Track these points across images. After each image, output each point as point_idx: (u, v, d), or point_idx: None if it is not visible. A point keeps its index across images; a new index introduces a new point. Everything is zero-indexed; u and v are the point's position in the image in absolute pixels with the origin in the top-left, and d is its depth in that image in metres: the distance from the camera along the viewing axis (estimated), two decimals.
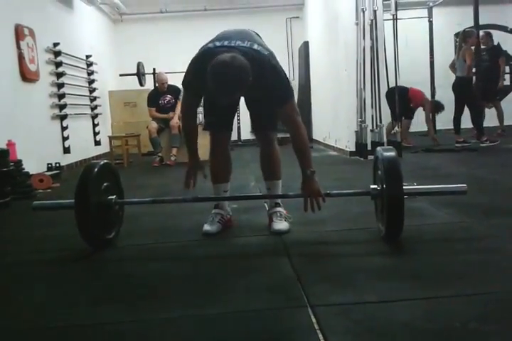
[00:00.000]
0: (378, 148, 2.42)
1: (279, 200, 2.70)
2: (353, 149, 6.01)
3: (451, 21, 9.24)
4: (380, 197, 2.30)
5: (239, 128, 9.32)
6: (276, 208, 2.66)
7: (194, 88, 2.41)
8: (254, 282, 1.89)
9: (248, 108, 2.70)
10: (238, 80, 2.11)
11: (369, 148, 5.71)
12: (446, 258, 2.06)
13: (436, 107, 7.07)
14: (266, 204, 3.19)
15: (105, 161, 2.58)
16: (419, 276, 1.86)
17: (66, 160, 6.29)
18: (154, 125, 6.50)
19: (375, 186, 2.37)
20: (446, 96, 7.30)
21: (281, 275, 1.95)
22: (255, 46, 2.27)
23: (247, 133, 9.53)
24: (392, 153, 2.29)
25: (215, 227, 2.61)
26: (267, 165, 2.72)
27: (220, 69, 2.08)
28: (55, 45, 6.22)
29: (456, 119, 6.62)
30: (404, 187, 2.16)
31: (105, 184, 2.42)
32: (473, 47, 6.60)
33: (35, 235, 2.91)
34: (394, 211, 2.14)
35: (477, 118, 6.62)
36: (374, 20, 5.65)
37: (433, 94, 8.80)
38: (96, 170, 2.36)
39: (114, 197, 2.45)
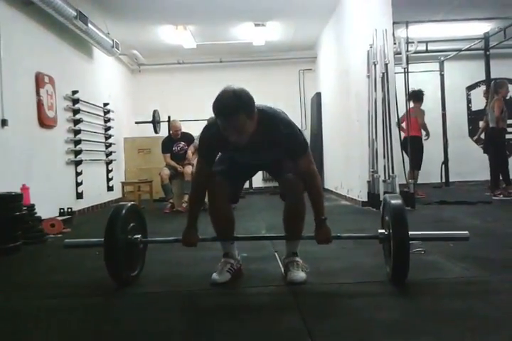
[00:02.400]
0: (386, 195, 2.62)
1: (297, 250, 2.65)
2: (366, 199, 5.98)
3: (463, 74, 9.39)
4: (387, 240, 2.44)
5: None
6: (293, 257, 2.62)
7: (209, 153, 2.51)
8: (262, 335, 1.84)
9: (269, 169, 2.77)
10: (238, 99, 2.16)
11: (381, 198, 5.66)
12: (462, 313, 2.00)
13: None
14: (276, 254, 3.17)
15: (132, 203, 2.72)
16: (432, 332, 1.80)
17: (78, 205, 6.32)
18: (166, 171, 6.55)
19: (383, 231, 2.53)
20: (458, 148, 7.34)
21: (291, 329, 1.89)
22: (266, 105, 2.41)
23: (258, 181, 9.57)
24: (399, 201, 2.45)
25: (224, 277, 2.57)
26: (292, 223, 2.62)
27: (221, 93, 2.21)
28: (74, 92, 6.39)
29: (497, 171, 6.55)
30: (409, 232, 2.30)
31: (132, 224, 2.56)
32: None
33: (45, 280, 2.88)
34: (400, 253, 2.28)
35: (496, 170, 6.55)
36: (385, 73, 5.76)
37: (445, 146, 8.84)
38: (124, 210, 2.52)
39: (139, 236, 2.59)
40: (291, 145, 2.39)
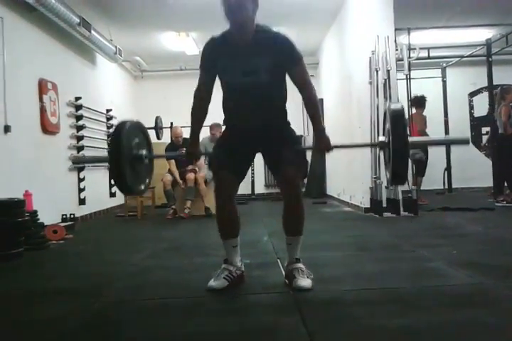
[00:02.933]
0: (387, 103, 2.66)
1: (299, 255, 2.64)
2: (368, 205, 5.97)
3: (466, 81, 9.40)
4: (387, 147, 2.50)
5: (253, 182, 9.36)
6: (297, 264, 2.60)
7: (210, 63, 2.58)
8: None
9: (267, 153, 2.67)
10: None
11: (384, 205, 5.67)
12: (465, 321, 1.99)
13: None
14: (279, 261, 3.16)
15: (136, 120, 2.74)
16: (439, 339, 1.79)
17: (81, 211, 6.32)
18: (169, 177, 6.56)
19: (383, 138, 2.60)
20: (460, 154, 7.34)
21: (294, 336, 1.89)
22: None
23: (260, 187, 9.57)
24: (398, 107, 2.50)
25: (220, 283, 2.55)
26: (291, 222, 2.62)
27: None
28: (77, 99, 6.41)
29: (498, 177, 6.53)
30: (409, 138, 2.43)
31: (136, 140, 2.60)
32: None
33: (47, 287, 2.87)
34: (398, 158, 2.38)
35: (501, 177, 6.54)
36: (387, 80, 5.76)
37: (448, 152, 8.84)
38: (127, 126, 2.54)
39: (144, 151, 2.62)
40: (286, 52, 2.49)
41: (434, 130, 8.20)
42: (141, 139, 2.67)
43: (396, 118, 2.43)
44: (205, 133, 6.85)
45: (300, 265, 2.60)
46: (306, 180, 9.44)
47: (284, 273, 2.75)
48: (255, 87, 2.52)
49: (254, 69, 2.50)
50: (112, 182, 2.47)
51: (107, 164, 7.45)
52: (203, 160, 6.62)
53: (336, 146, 2.61)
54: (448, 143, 2.72)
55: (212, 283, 2.56)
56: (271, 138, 2.59)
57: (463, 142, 2.67)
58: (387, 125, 2.50)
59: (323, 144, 2.57)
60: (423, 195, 6.87)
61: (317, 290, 2.48)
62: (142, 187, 2.67)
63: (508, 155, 6.44)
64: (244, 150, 2.64)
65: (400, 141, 2.35)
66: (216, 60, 2.56)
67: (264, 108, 2.58)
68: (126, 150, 2.47)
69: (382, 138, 2.60)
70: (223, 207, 2.63)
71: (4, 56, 4.63)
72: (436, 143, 2.85)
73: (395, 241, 3.95)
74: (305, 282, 2.50)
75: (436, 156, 8.17)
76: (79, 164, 2.92)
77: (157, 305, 2.40)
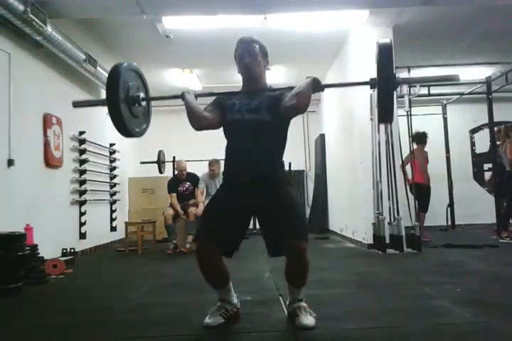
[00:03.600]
0: (378, 40, 2.62)
1: (301, 296, 2.59)
2: (371, 242, 5.93)
3: (467, 118, 9.49)
4: (376, 85, 2.54)
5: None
6: (300, 303, 2.57)
7: (217, 104, 2.72)
8: None
9: (263, 220, 2.58)
10: (257, 40, 2.70)
11: (387, 241, 5.62)
12: None
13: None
14: (281, 298, 3.12)
15: (130, 62, 2.68)
16: None
17: (81, 245, 6.28)
18: (170, 211, 6.54)
19: (374, 77, 2.58)
20: (463, 190, 7.34)
21: None
22: None
23: None
24: (386, 41, 2.53)
25: (216, 320, 2.53)
26: (296, 277, 2.53)
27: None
28: (81, 133, 6.48)
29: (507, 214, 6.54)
30: (397, 75, 2.50)
31: (133, 82, 2.60)
32: None
33: (47, 323, 2.83)
34: (386, 94, 2.48)
35: (507, 213, 6.52)
36: None
37: (450, 189, 8.83)
38: (123, 69, 2.51)
39: (141, 93, 2.64)
40: (282, 93, 2.58)
41: (436, 166, 8.26)
42: (137, 82, 2.70)
43: (383, 52, 2.50)
44: (204, 169, 6.90)
45: (303, 303, 2.57)
46: (308, 215, 9.42)
47: (285, 310, 2.71)
48: (257, 125, 2.57)
49: (257, 108, 2.59)
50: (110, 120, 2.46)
51: (109, 198, 7.50)
52: (204, 195, 6.63)
53: (327, 85, 2.71)
54: (437, 80, 2.74)
55: (207, 320, 2.53)
56: (266, 197, 2.50)
57: (452, 79, 2.61)
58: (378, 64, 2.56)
59: (315, 77, 2.66)
60: (426, 231, 6.83)
61: (319, 329, 2.43)
62: (138, 129, 2.71)
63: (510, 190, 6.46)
64: (237, 213, 2.54)
65: (387, 72, 2.46)
66: (225, 102, 2.69)
67: (262, 150, 2.56)
68: (123, 91, 2.50)
69: (372, 77, 2.62)
70: (207, 272, 2.54)
71: (10, 91, 4.70)
72: (425, 80, 3.00)
73: (398, 279, 3.90)
74: (308, 320, 2.46)
75: (439, 192, 8.17)
76: (79, 107, 3.04)
77: None
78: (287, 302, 2.66)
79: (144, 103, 2.68)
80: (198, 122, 2.61)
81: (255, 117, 2.57)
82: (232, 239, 2.56)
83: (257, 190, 2.51)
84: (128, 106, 2.54)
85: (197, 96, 2.72)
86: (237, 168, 2.60)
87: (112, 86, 2.47)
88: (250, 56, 2.63)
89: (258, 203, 2.52)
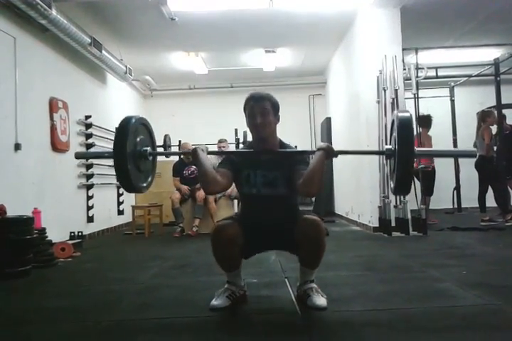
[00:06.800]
0: (395, 112, 2.62)
1: (313, 277, 2.60)
2: (377, 225, 5.94)
3: (474, 100, 9.39)
4: (393, 156, 2.46)
5: None
6: (311, 284, 2.57)
7: (227, 164, 2.59)
8: None
9: (284, 244, 2.60)
10: (268, 94, 2.59)
11: (393, 224, 5.63)
12: None
13: None
14: (287, 280, 3.14)
15: (140, 116, 2.66)
16: None
17: (89, 229, 6.34)
18: (177, 195, 6.57)
19: (390, 147, 2.54)
20: (469, 174, 7.31)
21: None
22: None
23: None
24: (406, 115, 2.41)
25: (223, 302, 2.54)
26: (312, 253, 2.50)
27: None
28: (87, 117, 6.48)
29: (481, 198, 6.57)
30: (415, 148, 2.39)
31: (141, 137, 2.56)
32: (492, 127, 6.72)
33: (55, 305, 2.87)
34: (403, 168, 2.33)
35: (500, 197, 6.55)
36: (395, 99, 5.79)
37: (457, 172, 8.80)
38: (132, 123, 2.47)
39: (148, 148, 2.59)
40: (296, 159, 2.54)
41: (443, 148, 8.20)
42: (145, 136, 2.65)
43: (403, 126, 2.37)
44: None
45: (314, 285, 2.57)
46: (314, 199, 9.43)
47: (292, 292, 2.73)
48: (273, 201, 2.58)
49: (274, 182, 2.57)
50: (117, 181, 2.40)
51: (116, 182, 7.53)
52: None
53: (341, 152, 2.56)
54: (455, 156, 2.71)
55: (214, 302, 2.54)
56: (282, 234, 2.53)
57: (470, 155, 2.66)
58: (394, 134, 2.47)
59: (326, 147, 2.46)
60: (432, 214, 6.83)
61: (326, 311, 2.45)
62: (145, 184, 2.64)
63: (492, 177, 6.50)
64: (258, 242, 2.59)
65: (406, 148, 2.32)
66: (234, 163, 2.61)
67: (278, 220, 2.54)
68: (131, 147, 2.43)
69: (388, 146, 2.56)
70: (219, 251, 2.52)
71: (16, 75, 4.70)
72: (443, 154, 2.85)
73: (404, 261, 3.92)
74: (320, 301, 2.46)
75: (445, 176, 8.14)
76: (81, 159, 2.94)
77: (166, 324, 2.39)
78: (297, 284, 2.66)
79: (150, 158, 2.64)
80: (211, 187, 2.49)
81: (272, 193, 2.57)
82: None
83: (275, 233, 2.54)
84: (134, 162, 2.47)
85: (209, 153, 2.58)
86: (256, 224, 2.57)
87: (121, 141, 2.40)
88: (262, 116, 2.51)
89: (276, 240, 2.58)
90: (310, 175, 2.34)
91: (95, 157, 2.83)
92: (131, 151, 2.42)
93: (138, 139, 2.52)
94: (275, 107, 2.57)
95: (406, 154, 2.32)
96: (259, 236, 2.54)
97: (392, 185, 2.56)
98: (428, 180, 6.63)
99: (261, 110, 2.51)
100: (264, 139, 2.56)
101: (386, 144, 5.79)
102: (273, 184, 2.57)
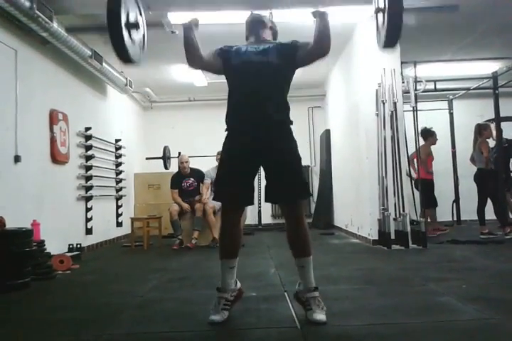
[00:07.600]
0: None
1: (314, 283, 2.60)
2: (376, 237, 5.93)
3: (472, 113, 9.42)
4: (381, 11, 2.64)
5: (259, 212, 9.34)
6: (314, 293, 2.58)
7: (222, 50, 2.79)
8: None
9: (269, 172, 2.66)
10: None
11: (392, 237, 5.62)
12: None
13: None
14: (286, 294, 3.13)
15: None
16: None
17: (87, 241, 6.32)
18: (176, 207, 6.56)
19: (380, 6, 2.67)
20: (468, 186, 7.30)
21: None
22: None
23: (267, 218, 9.55)
24: None
25: (220, 316, 2.55)
26: (297, 245, 2.63)
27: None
28: (87, 129, 6.50)
29: (480, 210, 6.56)
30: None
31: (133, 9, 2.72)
32: (488, 140, 6.76)
33: (54, 318, 2.85)
34: (394, 19, 2.51)
35: (500, 209, 6.55)
36: (394, 112, 5.81)
37: (456, 185, 8.80)
38: None
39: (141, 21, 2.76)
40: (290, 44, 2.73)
41: (442, 161, 8.24)
42: (136, 9, 2.82)
43: None
44: (210, 165, 6.90)
45: (317, 294, 2.57)
46: (313, 211, 9.43)
47: (291, 307, 2.72)
48: (264, 66, 2.64)
49: (265, 51, 2.68)
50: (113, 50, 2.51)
51: (115, 194, 7.52)
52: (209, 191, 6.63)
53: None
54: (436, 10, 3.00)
55: (213, 317, 2.55)
56: (271, 150, 2.60)
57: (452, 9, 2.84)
58: None
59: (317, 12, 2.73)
60: (431, 226, 6.84)
61: (325, 325, 2.44)
62: (139, 56, 2.77)
63: (491, 190, 6.51)
64: (245, 168, 2.65)
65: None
66: (230, 49, 2.78)
67: (267, 94, 2.64)
68: (123, 16, 2.58)
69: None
70: (227, 229, 2.67)
71: (17, 87, 4.72)
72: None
73: (404, 275, 3.91)
74: (321, 315, 2.48)
75: (444, 188, 8.15)
76: (74, 32, 3.17)
77: (166, 338, 2.38)
78: (297, 287, 2.67)
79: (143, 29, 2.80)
80: (192, 60, 2.74)
81: (263, 59, 2.65)
82: (245, 188, 2.66)
83: (260, 133, 2.60)
84: (128, 30, 2.63)
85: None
86: (243, 111, 2.69)
87: (114, 11, 2.57)
88: (261, 23, 2.89)
89: (264, 150, 2.61)
90: (321, 31, 2.66)
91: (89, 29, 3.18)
92: (125, 20, 2.59)
93: (129, 10, 2.68)
94: (273, 23, 2.96)
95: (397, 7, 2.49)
96: (247, 164, 2.62)
97: (381, 38, 2.68)
98: (428, 191, 6.63)
99: (259, 20, 2.90)
100: (257, 35, 2.84)
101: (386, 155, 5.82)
102: (265, 52, 2.68)
